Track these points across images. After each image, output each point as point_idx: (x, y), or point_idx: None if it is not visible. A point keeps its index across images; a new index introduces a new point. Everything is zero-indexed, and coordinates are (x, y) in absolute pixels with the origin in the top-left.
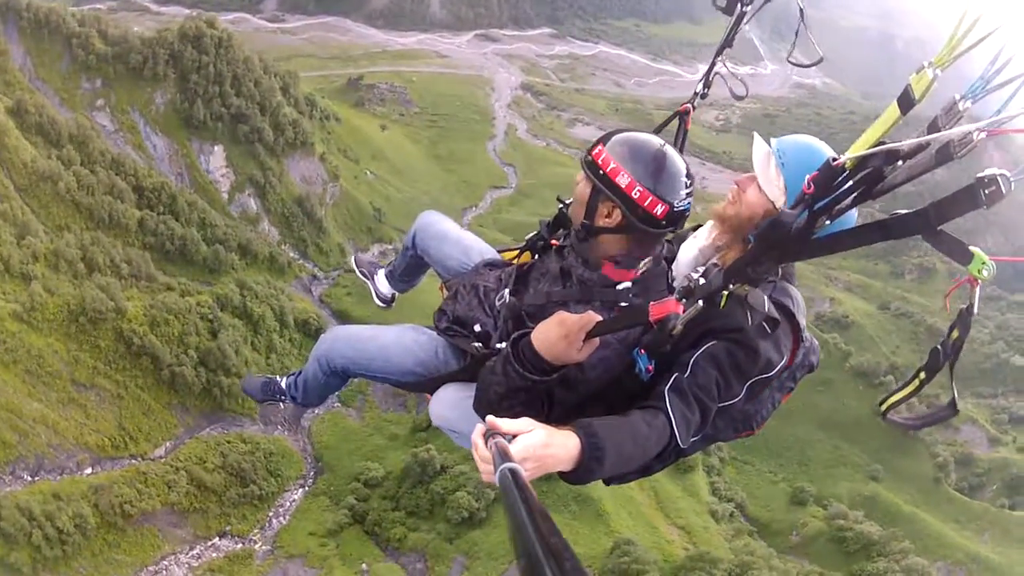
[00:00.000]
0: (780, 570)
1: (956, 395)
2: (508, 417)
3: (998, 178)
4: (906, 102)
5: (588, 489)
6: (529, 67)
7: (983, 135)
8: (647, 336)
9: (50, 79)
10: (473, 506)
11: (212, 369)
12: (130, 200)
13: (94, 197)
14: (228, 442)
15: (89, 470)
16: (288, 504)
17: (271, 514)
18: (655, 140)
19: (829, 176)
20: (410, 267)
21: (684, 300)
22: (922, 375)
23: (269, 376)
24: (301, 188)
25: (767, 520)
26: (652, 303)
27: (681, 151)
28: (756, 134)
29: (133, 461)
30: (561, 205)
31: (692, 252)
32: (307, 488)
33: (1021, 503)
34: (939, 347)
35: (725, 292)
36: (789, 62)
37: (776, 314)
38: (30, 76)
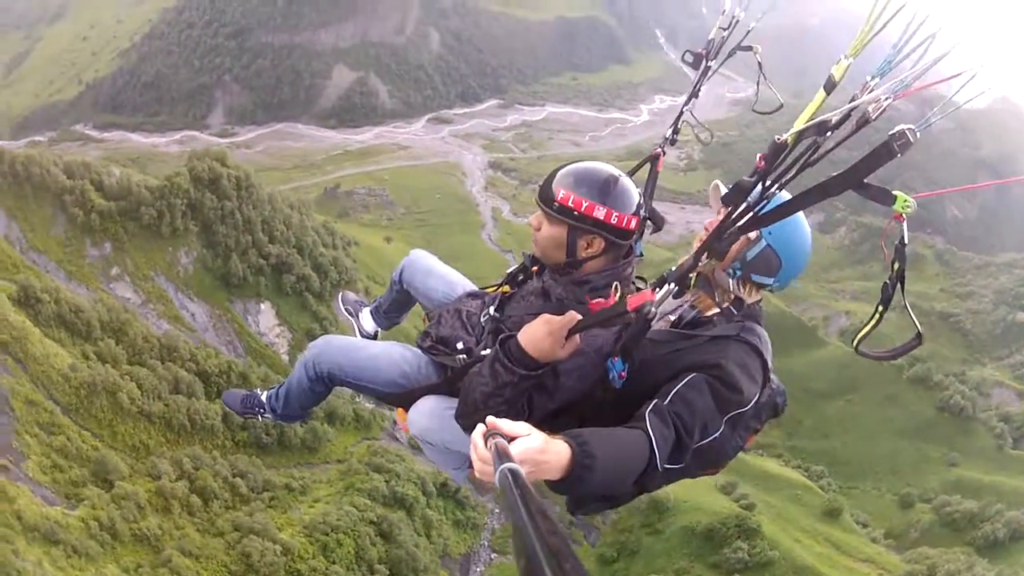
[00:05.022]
0: (957, 560)
1: (919, 327)
2: None
3: (906, 132)
4: (830, 85)
5: (799, 557)
6: (489, 144)
7: (890, 99)
8: (624, 333)
9: (47, 248)
10: None
11: None
12: (200, 393)
13: (163, 401)
14: None
15: None
16: None
17: None
18: (599, 166)
19: (775, 151)
20: (396, 303)
21: (657, 289)
22: (880, 308)
23: (249, 390)
24: None
25: (889, 528)
26: (629, 296)
27: (652, 193)
28: (718, 182)
29: None
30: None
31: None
32: None
33: None
34: (887, 280)
35: (694, 273)
36: (754, 111)
37: (742, 294)
38: (21, 247)
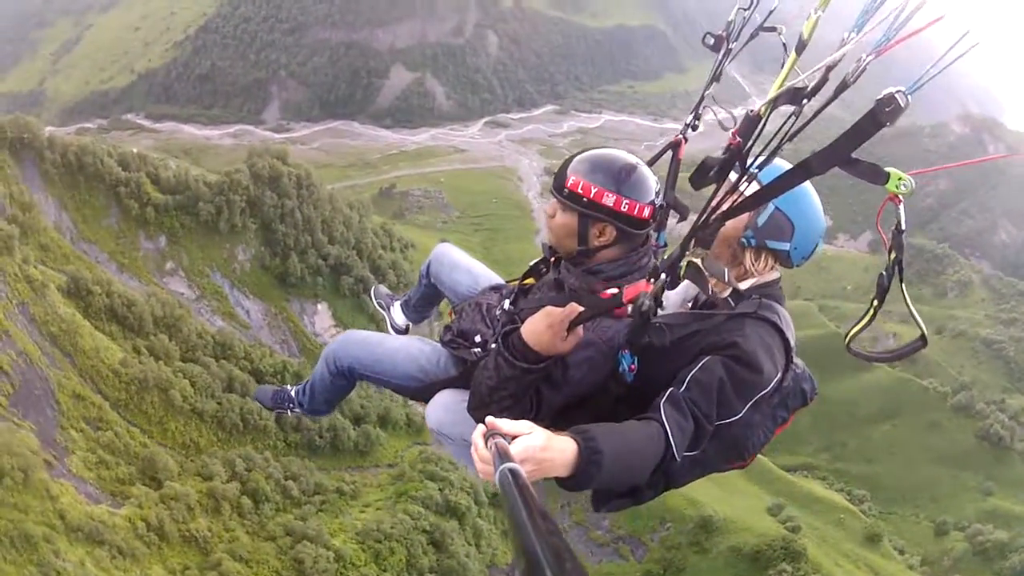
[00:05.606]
0: None
1: (924, 328)
2: (498, 415)
3: (895, 96)
4: (800, 46)
5: None
6: (546, 149)
7: (871, 57)
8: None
9: (98, 239)
10: None
11: None
12: (254, 392)
13: (216, 399)
14: None
15: None
16: None
17: None
18: (616, 153)
19: (750, 125)
20: (424, 297)
21: (652, 280)
22: (875, 303)
23: (280, 386)
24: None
25: (923, 555)
26: (625, 288)
27: (674, 182)
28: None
29: None
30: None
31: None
32: None
33: None
34: (883, 272)
35: (683, 262)
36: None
37: (739, 288)
38: (72, 236)
